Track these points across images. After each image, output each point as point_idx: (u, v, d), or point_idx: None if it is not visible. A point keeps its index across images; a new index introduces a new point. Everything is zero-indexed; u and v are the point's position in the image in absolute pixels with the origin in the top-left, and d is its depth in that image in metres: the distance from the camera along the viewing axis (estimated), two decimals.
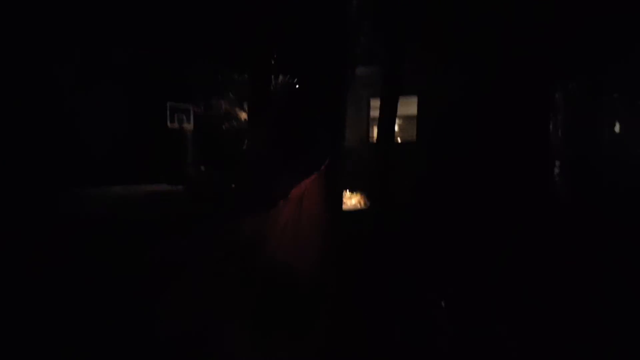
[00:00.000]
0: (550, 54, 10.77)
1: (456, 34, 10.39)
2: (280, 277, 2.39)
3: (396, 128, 9.85)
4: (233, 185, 11.61)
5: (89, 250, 4.97)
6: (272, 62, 7.92)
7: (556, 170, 13.00)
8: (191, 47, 12.99)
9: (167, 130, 13.39)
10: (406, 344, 2.87)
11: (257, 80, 6.35)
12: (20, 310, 3.28)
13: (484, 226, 6.87)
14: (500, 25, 9.86)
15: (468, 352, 2.81)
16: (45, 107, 12.18)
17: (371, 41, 9.21)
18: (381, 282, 4.04)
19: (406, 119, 12.75)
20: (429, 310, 3.48)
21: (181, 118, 13.43)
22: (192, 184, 11.69)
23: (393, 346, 2.84)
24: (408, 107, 12.11)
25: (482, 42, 10.24)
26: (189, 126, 13.57)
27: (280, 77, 7.97)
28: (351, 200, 10.35)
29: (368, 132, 13.80)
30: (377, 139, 8.66)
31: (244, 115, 12.81)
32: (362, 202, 10.33)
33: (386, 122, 8.23)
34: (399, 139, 12.63)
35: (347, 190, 10.38)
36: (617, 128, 15.01)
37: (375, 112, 13.43)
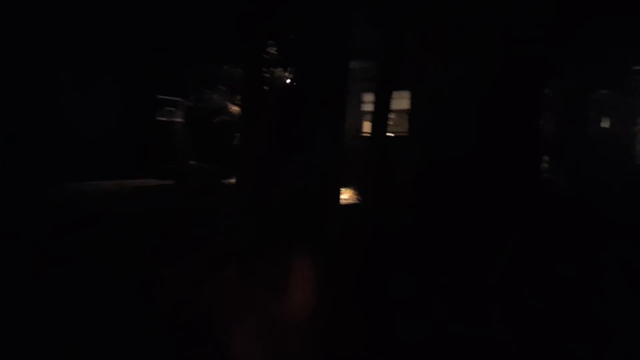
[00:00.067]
0: (540, 52, 10.85)
1: (450, 30, 10.40)
2: None
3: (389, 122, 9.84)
4: (223, 181, 11.54)
5: (83, 249, 4.89)
6: (275, 56, 7.87)
7: (545, 164, 13.14)
8: (182, 39, 12.80)
9: (156, 124, 13.21)
10: (405, 344, 2.87)
11: (252, 74, 6.27)
12: (17, 309, 3.22)
13: (476, 219, 6.92)
14: (493, 23, 9.89)
15: (467, 352, 2.81)
16: (30, 101, 11.93)
17: (365, 35, 9.15)
18: (377, 277, 4.04)
19: (398, 113, 12.76)
20: (425, 307, 3.48)
21: (171, 111, 13.26)
22: (182, 179, 11.57)
23: (392, 346, 2.83)
24: (400, 101, 12.11)
25: (474, 39, 10.26)
26: (179, 120, 13.41)
27: (280, 71, 7.90)
28: (343, 195, 10.34)
29: (360, 126, 13.80)
30: (370, 134, 8.65)
31: (235, 109, 12.69)
32: (354, 197, 10.34)
33: (380, 117, 8.20)
34: (391, 134, 12.64)
35: None
36: (604, 124, 15.22)
37: (367, 107, 13.44)
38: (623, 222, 7.31)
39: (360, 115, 13.76)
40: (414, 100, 12.51)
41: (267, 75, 10.36)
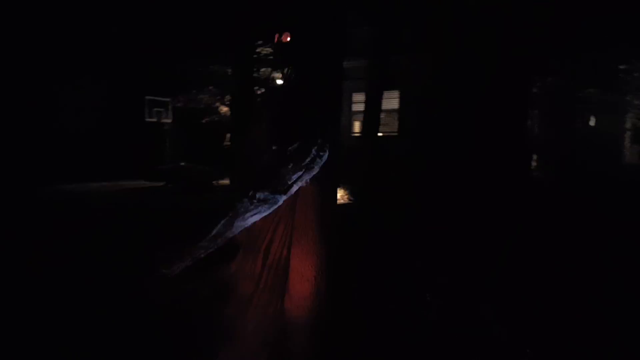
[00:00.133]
0: (529, 51, 10.92)
1: (439, 30, 10.43)
2: None
3: None
4: (214, 182, 11.46)
5: (72, 252, 4.82)
6: (266, 55, 7.85)
7: (534, 163, 13.26)
8: (172, 39, 12.68)
9: (145, 125, 13.05)
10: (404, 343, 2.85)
11: (243, 73, 6.24)
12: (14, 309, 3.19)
13: (465, 218, 6.94)
14: (482, 23, 9.93)
15: (465, 352, 2.81)
16: (17, 102, 11.75)
17: (356, 33, 9.15)
18: (373, 278, 4.03)
19: (388, 112, 12.78)
20: (421, 305, 3.48)
21: (160, 112, 13.10)
22: (172, 180, 11.43)
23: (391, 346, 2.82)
24: (390, 101, 12.13)
25: (464, 38, 10.30)
26: (167, 120, 13.26)
27: (272, 71, 7.86)
28: None
29: (350, 126, 13.80)
30: (361, 133, 8.65)
31: (225, 109, 12.60)
32: (345, 197, 10.32)
33: (371, 116, 8.21)
34: (381, 133, 12.66)
35: None
36: (592, 122, 15.40)
37: (357, 106, 13.44)
38: (611, 218, 7.39)
39: (351, 115, 13.76)
40: (403, 100, 12.55)
41: (258, 74, 10.32)
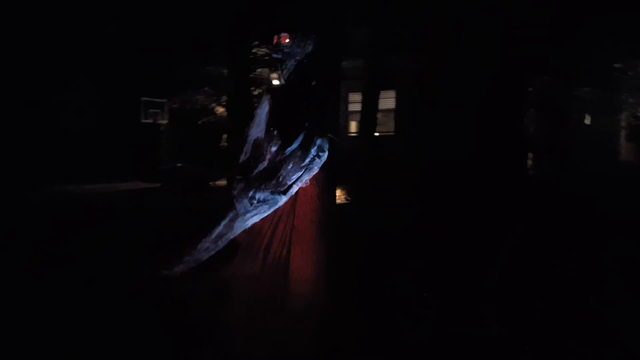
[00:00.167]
0: (524, 50, 10.95)
1: (435, 30, 10.44)
2: None
3: None
4: (211, 182, 11.43)
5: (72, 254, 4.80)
6: (264, 56, 7.86)
7: (530, 161, 13.30)
8: (167, 40, 12.64)
9: (141, 126, 13.01)
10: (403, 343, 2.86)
11: (240, 74, 6.23)
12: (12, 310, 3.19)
13: (462, 217, 6.95)
14: (477, 23, 9.95)
15: (465, 351, 2.81)
16: (13, 104, 11.69)
17: (352, 34, 9.15)
18: (372, 278, 4.03)
19: (384, 112, 12.79)
20: (420, 306, 3.48)
21: (155, 113, 13.06)
22: (169, 181, 11.39)
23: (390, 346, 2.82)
24: (386, 100, 12.14)
25: (459, 38, 10.32)
26: (163, 121, 13.23)
27: (270, 71, 7.85)
28: None
29: (346, 126, 13.80)
30: (358, 133, 8.66)
31: (221, 110, 12.57)
32: (342, 197, 10.31)
33: (368, 116, 8.22)
34: (377, 133, 12.68)
35: None
36: (587, 120, 15.46)
37: (353, 106, 13.45)
38: (608, 216, 7.42)
39: (347, 115, 13.76)
40: (399, 99, 12.56)
41: (254, 75, 10.31)
